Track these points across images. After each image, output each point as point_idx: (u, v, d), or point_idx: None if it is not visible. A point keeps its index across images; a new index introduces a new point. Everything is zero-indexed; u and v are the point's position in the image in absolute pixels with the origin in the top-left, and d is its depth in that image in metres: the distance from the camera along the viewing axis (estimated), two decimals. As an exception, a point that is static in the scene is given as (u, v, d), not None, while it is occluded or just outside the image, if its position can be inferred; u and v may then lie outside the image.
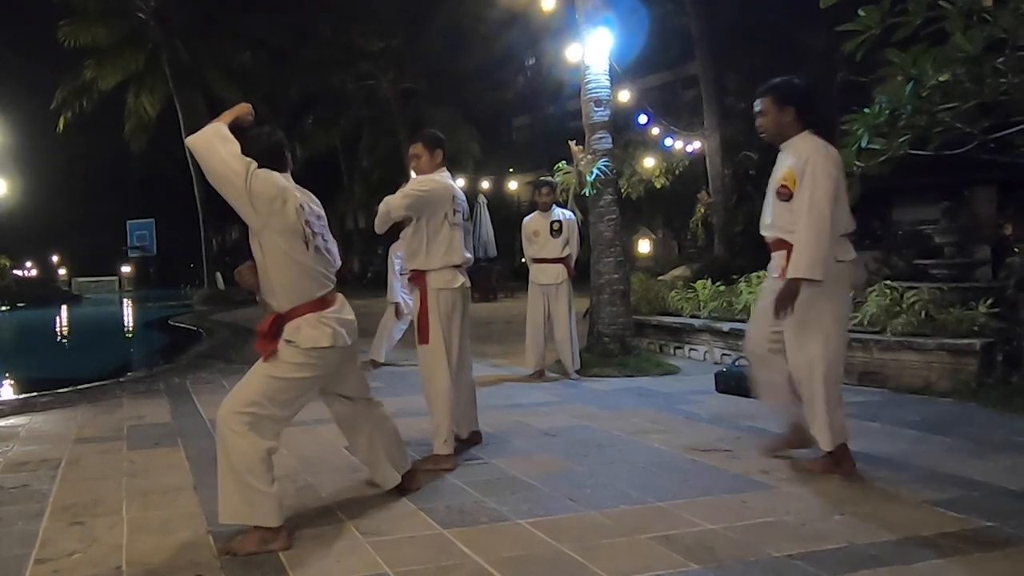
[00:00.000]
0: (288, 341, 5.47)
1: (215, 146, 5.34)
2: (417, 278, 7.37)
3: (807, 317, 6.52)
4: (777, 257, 6.81)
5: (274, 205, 5.25)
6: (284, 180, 5.46)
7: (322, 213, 5.69)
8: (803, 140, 6.71)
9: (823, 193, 6.37)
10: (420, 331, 7.30)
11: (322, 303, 5.54)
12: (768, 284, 7.13)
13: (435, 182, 7.30)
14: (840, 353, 6.77)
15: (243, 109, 5.69)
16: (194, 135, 5.38)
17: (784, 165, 6.71)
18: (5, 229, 51.87)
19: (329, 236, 5.69)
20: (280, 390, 5.46)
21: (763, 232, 6.97)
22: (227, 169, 5.24)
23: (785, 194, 6.60)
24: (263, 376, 5.50)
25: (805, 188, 6.44)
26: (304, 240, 5.37)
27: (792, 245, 6.51)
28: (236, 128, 5.53)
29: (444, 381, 7.20)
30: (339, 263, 5.75)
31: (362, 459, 6.44)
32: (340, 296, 5.73)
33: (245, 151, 5.34)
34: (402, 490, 6.27)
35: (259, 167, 5.30)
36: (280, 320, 5.53)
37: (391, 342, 13.56)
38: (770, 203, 6.82)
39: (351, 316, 5.76)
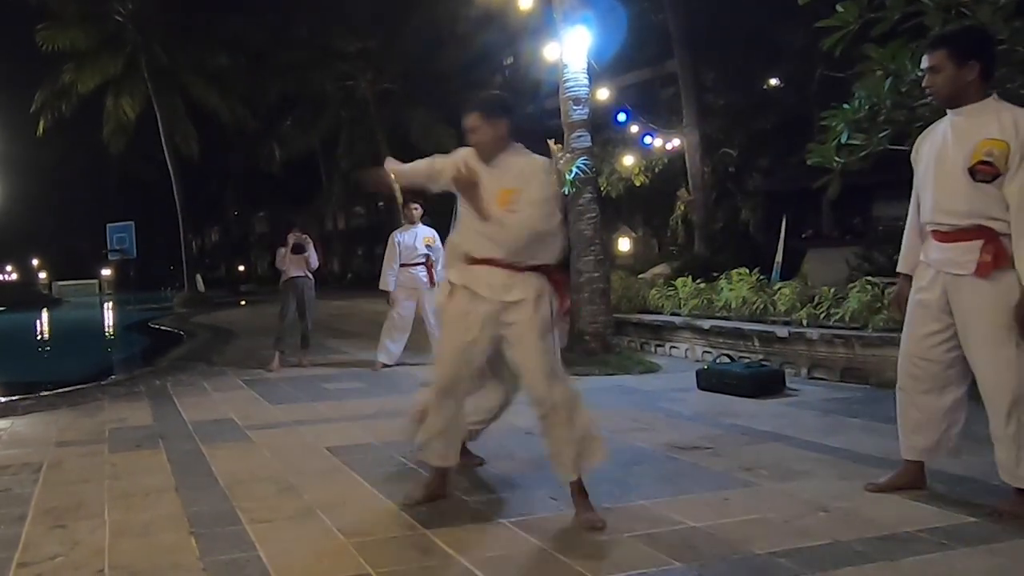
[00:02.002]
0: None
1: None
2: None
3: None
4: (966, 249, 5.38)
5: None
6: None
7: None
8: (1001, 106, 5.39)
9: None
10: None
11: None
12: (946, 282, 5.55)
13: None
14: None
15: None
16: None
17: (978, 135, 5.32)
18: (-15, 233, 51.82)
19: None
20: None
21: (943, 220, 5.53)
22: None
23: (988, 172, 5.23)
24: (547, 340, 5.79)
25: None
26: None
27: (997, 235, 5.26)
28: None
29: None
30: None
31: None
32: None
33: None
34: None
35: None
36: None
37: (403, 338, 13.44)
38: (957, 184, 5.39)
39: None
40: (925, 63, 5.61)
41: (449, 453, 6.15)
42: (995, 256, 5.24)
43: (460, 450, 6.27)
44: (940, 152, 5.54)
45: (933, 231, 5.62)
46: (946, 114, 5.66)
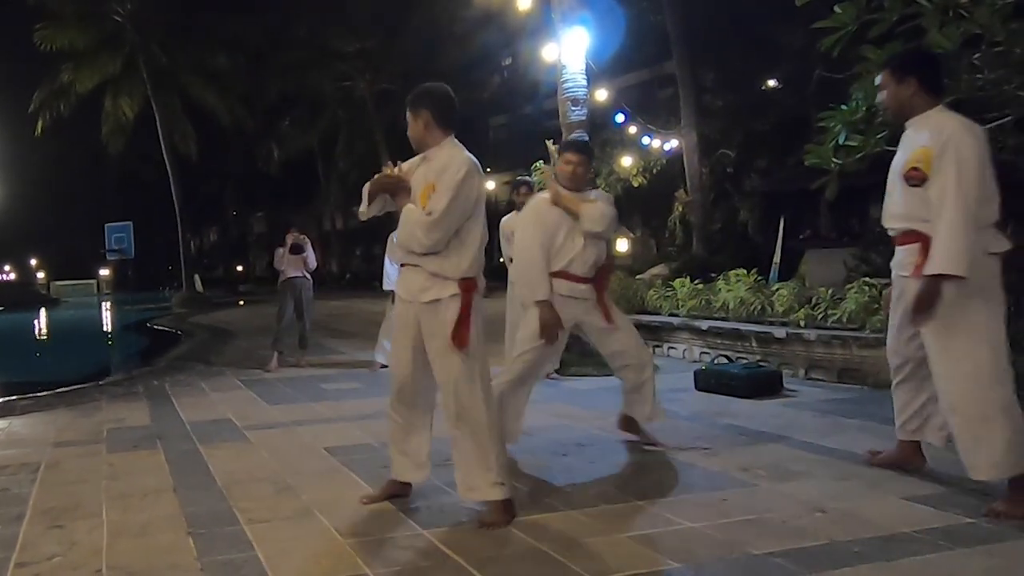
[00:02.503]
0: None
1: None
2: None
3: (956, 322, 5.59)
4: (908, 252, 5.89)
5: None
6: None
7: None
8: (938, 115, 5.84)
9: (971, 176, 5.50)
10: None
11: None
12: (901, 284, 6.09)
13: None
14: (1007, 360, 5.64)
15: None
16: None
17: (914, 144, 5.81)
18: (-16, 233, 51.81)
19: None
20: None
21: (888, 224, 6.10)
22: None
23: (917, 178, 5.69)
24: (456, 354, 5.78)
25: (947, 170, 5.51)
26: None
27: (928, 237, 5.61)
28: None
29: None
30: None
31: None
32: None
33: None
34: None
35: None
36: None
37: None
38: (897, 190, 5.95)
39: None
40: (876, 82, 6.25)
41: (398, 462, 6.15)
42: (927, 258, 5.61)
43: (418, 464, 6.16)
44: (894, 163, 6.02)
45: (890, 236, 6.12)
46: None
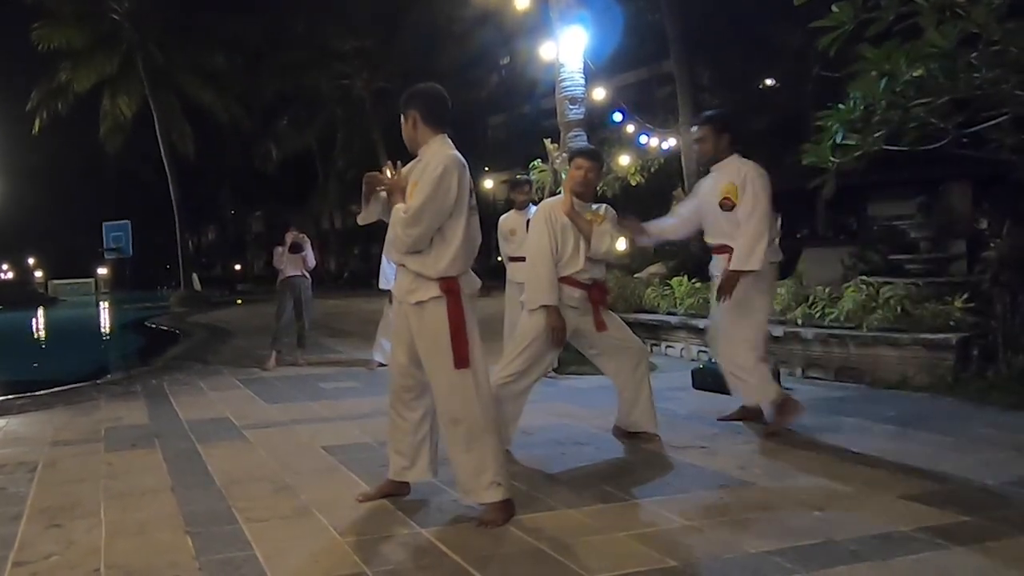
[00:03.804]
0: None
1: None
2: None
3: (744, 304, 7.87)
4: (721, 260, 8.08)
5: None
6: None
7: None
8: (737, 160, 8.10)
9: (764, 203, 7.77)
10: None
11: None
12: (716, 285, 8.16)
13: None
14: (766, 337, 8.38)
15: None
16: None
17: (722, 181, 8.02)
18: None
19: None
20: None
21: (709, 240, 8.32)
22: None
23: (728, 205, 7.91)
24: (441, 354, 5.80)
25: (748, 199, 7.77)
26: None
27: (733, 249, 7.79)
28: None
29: None
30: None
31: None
32: None
33: None
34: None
35: None
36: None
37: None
38: (712, 214, 8.10)
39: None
40: (695, 134, 8.63)
41: (396, 462, 6.14)
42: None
43: (426, 464, 6.17)
44: (705, 195, 8.27)
45: (710, 247, 8.33)
46: None
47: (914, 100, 6.87)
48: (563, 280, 7.34)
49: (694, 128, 8.74)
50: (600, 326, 7.51)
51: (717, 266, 8.19)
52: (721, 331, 8.35)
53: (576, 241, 7.37)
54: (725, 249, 7.94)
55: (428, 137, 5.86)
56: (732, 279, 7.70)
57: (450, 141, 5.87)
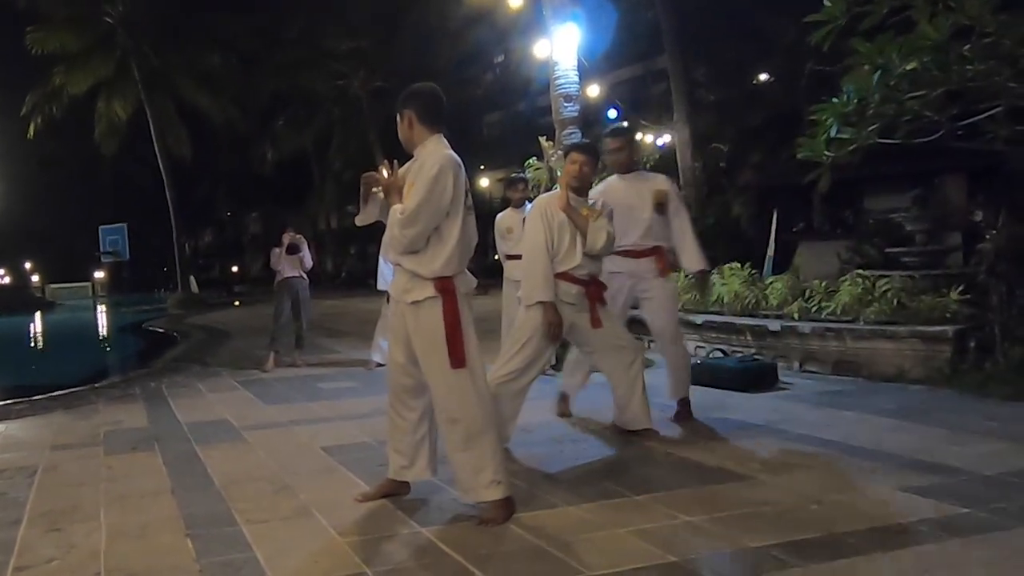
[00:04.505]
0: None
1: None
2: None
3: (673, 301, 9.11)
4: (650, 261, 8.51)
5: None
6: None
7: None
8: (654, 175, 8.82)
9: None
10: None
11: None
12: (635, 283, 8.71)
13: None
14: None
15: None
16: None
17: (651, 188, 8.42)
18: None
19: None
20: None
21: (638, 242, 8.44)
22: None
23: (663, 209, 8.38)
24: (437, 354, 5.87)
25: (676, 203, 8.52)
26: None
27: (662, 249, 8.48)
28: None
29: None
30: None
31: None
32: None
33: None
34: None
35: None
36: None
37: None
38: (643, 219, 8.37)
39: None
40: (612, 145, 8.55)
41: (395, 461, 6.15)
42: (664, 265, 8.55)
43: (425, 464, 6.19)
44: (629, 203, 8.35)
45: (622, 251, 8.30)
46: None
47: (908, 93, 6.89)
48: (560, 276, 7.25)
49: (608, 140, 8.74)
50: (596, 323, 7.45)
51: (651, 269, 8.55)
52: (667, 332, 8.95)
53: (572, 237, 7.29)
54: (656, 251, 8.48)
55: (424, 137, 5.85)
56: (708, 276, 8.45)
57: (446, 140, 5.86)
